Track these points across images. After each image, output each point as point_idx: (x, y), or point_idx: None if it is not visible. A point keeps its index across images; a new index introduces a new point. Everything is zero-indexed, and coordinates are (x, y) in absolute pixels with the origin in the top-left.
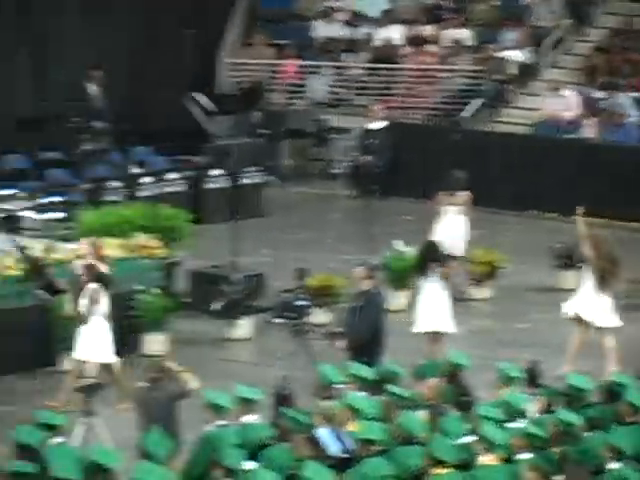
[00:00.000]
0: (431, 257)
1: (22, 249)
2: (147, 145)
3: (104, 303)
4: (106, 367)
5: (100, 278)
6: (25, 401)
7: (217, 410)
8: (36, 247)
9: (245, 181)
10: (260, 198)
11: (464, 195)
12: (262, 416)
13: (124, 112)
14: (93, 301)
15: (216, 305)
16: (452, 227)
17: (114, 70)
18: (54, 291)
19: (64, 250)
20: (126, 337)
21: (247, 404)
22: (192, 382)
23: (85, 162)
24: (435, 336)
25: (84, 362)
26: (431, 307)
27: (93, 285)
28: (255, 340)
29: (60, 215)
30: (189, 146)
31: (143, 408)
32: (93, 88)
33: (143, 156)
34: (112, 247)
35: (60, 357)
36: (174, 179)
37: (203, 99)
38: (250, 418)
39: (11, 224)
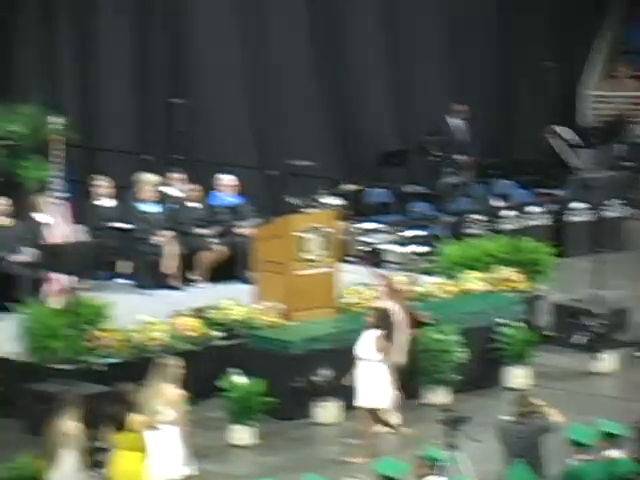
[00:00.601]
0: None
1: None
2: (509, 178)
3: (388, 349)
4: (374, 412)
5: (385, 323)
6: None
7: (580, 445)
8: (399, 280)
9: (608, 214)
10: (623, 231)
11: None
12: (626, 451)
13: (486, 145)
14: (378, 347)
15: (579, 338)
16: None
17: (477, 103)
18: (417, 323)
19: (427, 283)
20: (488, 370)
21: (611, 439)
22: (556, 416)
23: (448, 195)
24: None
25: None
26: None
27: (377, 331)
28: (619, 374)
29: (423, 248)
30: (551, 179)
31: (508, 442)
32: (456, 122)
33: (505, 189)
34: (474, 280)
35: (424, 390)
36: (536, 212)
37: (566, 132)
38: (614, 453)
39: (375, 257)
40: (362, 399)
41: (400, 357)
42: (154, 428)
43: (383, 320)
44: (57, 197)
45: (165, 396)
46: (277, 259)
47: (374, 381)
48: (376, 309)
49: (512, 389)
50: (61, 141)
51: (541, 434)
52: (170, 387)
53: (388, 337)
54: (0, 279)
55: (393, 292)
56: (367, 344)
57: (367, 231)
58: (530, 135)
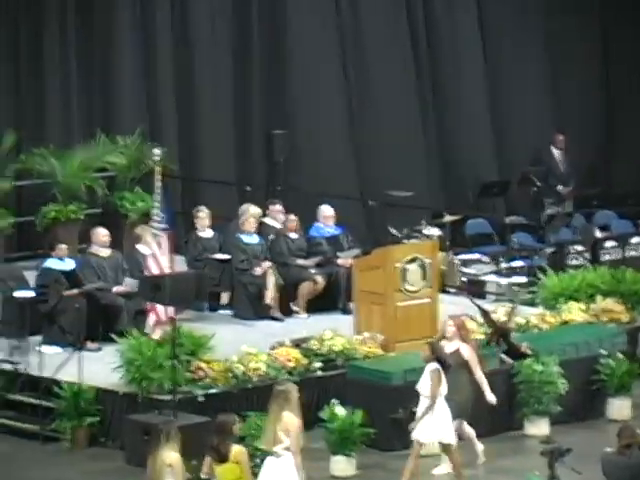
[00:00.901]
0: None
1: (485, 313)
2: (610, 209)
3: (444, 384)
4: (445, 447)
5: (440, 359)
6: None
7: None
8: (500, 311)
9: None
10: None
11: None
12: None
13: (587, 176)
14: (433, 382)
15: None
16: None
17: (576, 133)
18: (517, 355)
19: (527, 314)
20: (590, 401)
21: None
22: None
23: (548, 226)
24: None
25: (423, 444)
26: None
27: (433, 365)
28: None
29: (524, 279)
30: None
31: (611, 473)
32: (556, 152)
33: (606, 220)
34: (575, 311)
35: (524, 421)
36: (637, 243)
37: None
38: None
39: (475, 288)
40: (423, 434)
41: (489, 396)
42: (273, 454)
43: (438, 355)
44: (157, 228)
45: (283, 423)
46: (377, 290)
47: (434, 416)
48: (430, 344)
49: (613, 420)
50: (161, 172)
51: None
52: (289, 414)
53: (444, 371)
54: (101, 310)
55: (463, 333)
56: (425, 379)
57: (468, 262)
58: (630, 165)
